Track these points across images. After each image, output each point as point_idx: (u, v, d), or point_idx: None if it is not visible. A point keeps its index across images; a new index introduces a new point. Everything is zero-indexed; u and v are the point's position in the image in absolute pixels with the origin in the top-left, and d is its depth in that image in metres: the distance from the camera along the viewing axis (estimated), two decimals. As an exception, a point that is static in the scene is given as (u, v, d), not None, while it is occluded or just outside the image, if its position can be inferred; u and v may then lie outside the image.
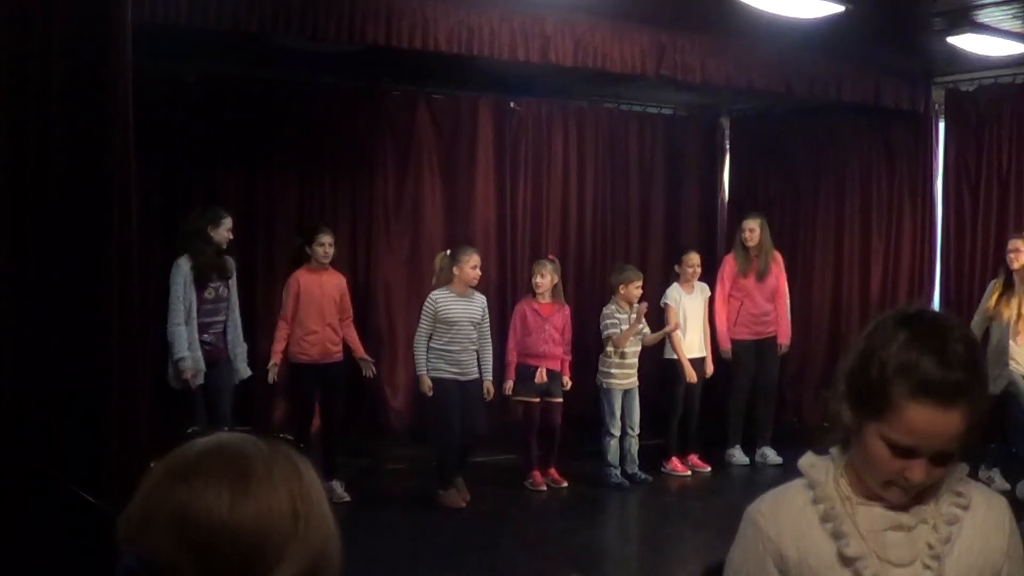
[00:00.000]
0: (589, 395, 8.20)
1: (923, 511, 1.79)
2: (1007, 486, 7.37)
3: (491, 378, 7.42)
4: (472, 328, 7.20)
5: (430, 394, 7.12)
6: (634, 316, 7.74)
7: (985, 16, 7.09)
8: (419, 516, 7.15)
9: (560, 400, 7.65)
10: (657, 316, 8.25)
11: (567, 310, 7.74)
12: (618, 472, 7.73)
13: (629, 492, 7.68)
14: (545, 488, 7.53)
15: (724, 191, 10.96)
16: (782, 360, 8.90)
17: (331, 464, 7.10)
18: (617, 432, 7.72)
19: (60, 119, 4.27)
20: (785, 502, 1.88)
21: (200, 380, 6.66)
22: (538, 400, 7.49)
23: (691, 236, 10.20)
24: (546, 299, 7.58)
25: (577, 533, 6.74)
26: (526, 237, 10.00)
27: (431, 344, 7.13)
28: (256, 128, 8.76)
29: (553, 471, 7.68)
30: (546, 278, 7.57)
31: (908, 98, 9.03)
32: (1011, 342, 7.40)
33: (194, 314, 6.69)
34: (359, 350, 7.45)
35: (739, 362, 8.43)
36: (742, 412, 8.50)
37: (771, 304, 8.56)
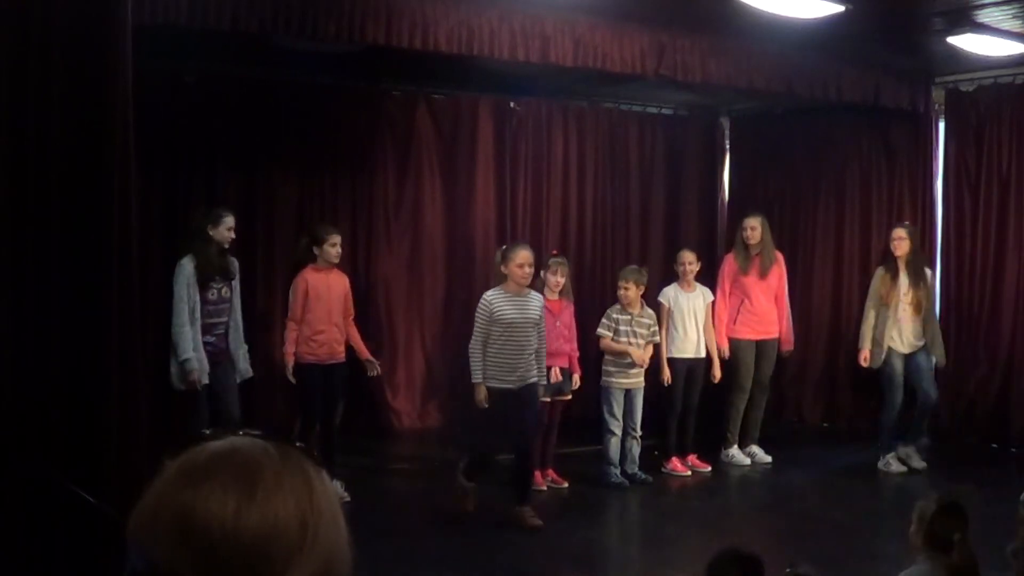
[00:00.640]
0: (590, 395, 8.20)
1: None
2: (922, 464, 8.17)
3: (546, 381, 7.05)
4: (530, 329, 6.68)
5: (486, 405, 6.61)
6: (635, 318, 7.69)
7: (985, 16, 7.09)
8: (419, 516, 7.15)
9: (568, 397, 7.65)
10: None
11: (572, 306, 7.73)
12: (618, 472, 7.72)
13: (629, 492, 7.67)
14: (545, 488, 7.52)
15: (724, 191, 10.96)
16: (782, 360, 8.90)
17: (331, 464, 7.09)
18: (617, 431, 7.70)
19: (60, 119, 4.28)
20: None
21: (205, 381, 6.66)
22: (549, 400, 7.47)
23: (691, 236, 10.20)
24: (553, 296, 7.55)
25: (577, 533, 6.74)
26: (526, 237, 9.96)
27: (486, 349, 6.62)
28: (256, 128, 8.77)
29: (552, 471, 7.67)
30: (558, 275, 7.54)
31: (908, 98, 9.03)
32: (894, 323, 8.12)
33: (198, 314, 6.68)
34: (363, 352, 7.43)
35: (740, 361, 8.42)
36: (742, 412, 8.49)
37: (773, 304, 8.55)
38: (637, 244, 10.40)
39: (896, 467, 8.15)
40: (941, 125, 9.35)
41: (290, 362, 7.08)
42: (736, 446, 8.51)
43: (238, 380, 7.01)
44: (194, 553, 1.01)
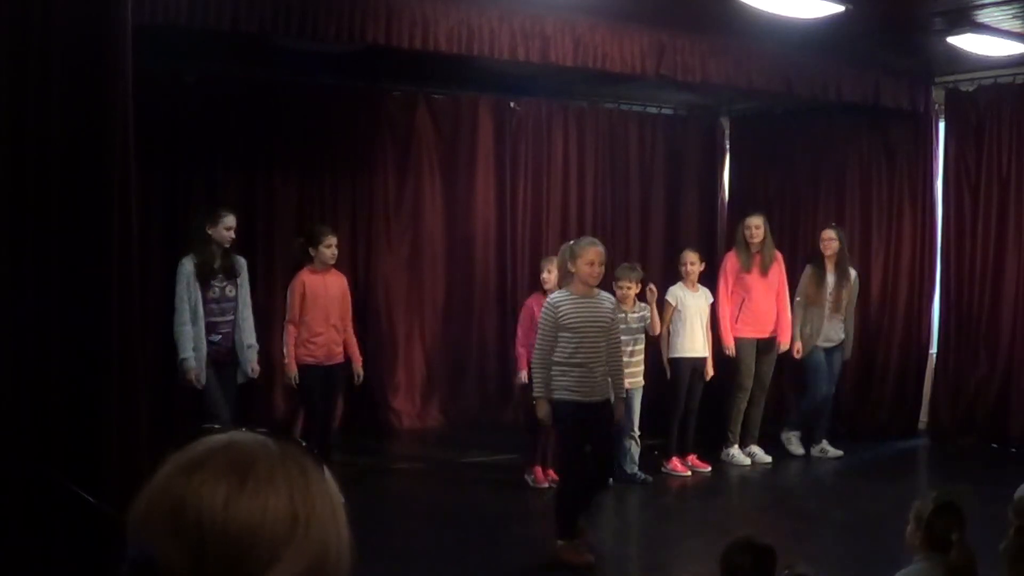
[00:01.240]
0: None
1: None
2: (839, 452, 8.67)
3: (624, 395, 6.26)
4: (600, 335, 5.90)
5: (548, 422, 5.98)
6: (628, 315, 7.68)
7: (985, 16, 7.09)
8: (419, 516, 7.15)
9: None
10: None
11: None
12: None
13: (629, 492, 7.66)
14: (547, 486, 7.50)
15: (724, 191, 10.96)
16: (783, 360, 8.89)
17: (328, 463, 7.06)
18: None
19: (60, 119, 4.28)
20: None
21: (203, 380, 6.64)
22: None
23: (691, 236, 10.19)
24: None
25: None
26: (526, 237, 10.00)
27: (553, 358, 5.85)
28: (256, 128, 8.77)
29: (551, 471, 7.66)
30: (552, 273, 7.52)
31: (908, 98, 9.03)
32: (819, 319, 8.58)
33: (200, 313, 6.67)
34: (357, 360, 7.40)
35: (741, 361, 8.42)
36: (743, 412, 8.49)
37: (773, 303, 8.55)
38: (637, 244, 10.40)
39: (796, 447, 8.73)
40: (941, 125, 9.35)
41: (292, 367, 7.06)
42: (736, 446, 8.51)
43: (241, 379, 6.97)
44: (185, 542, 1.02)
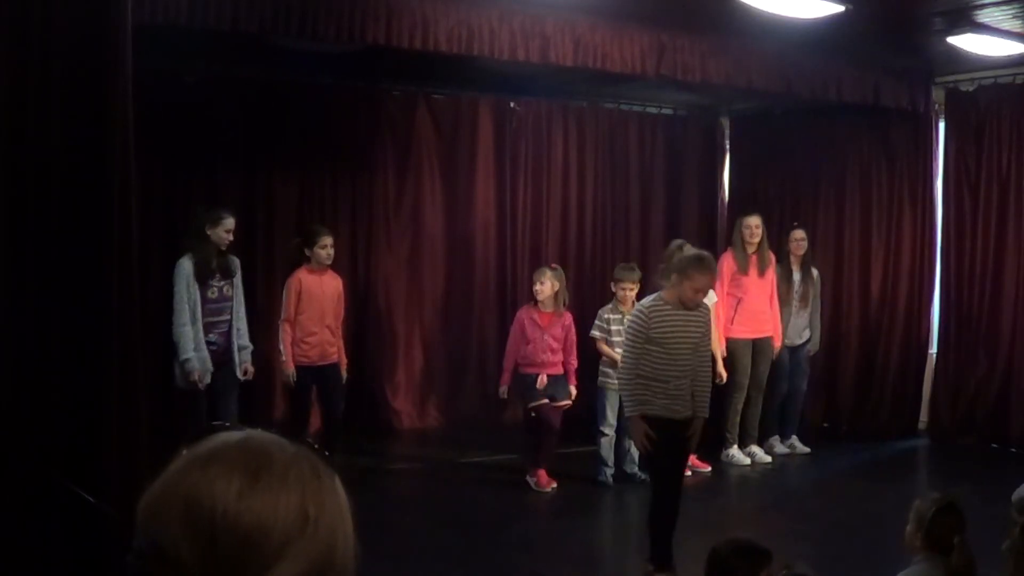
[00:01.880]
0: (590, 396, 8.18)
1: None
2: (807, 449, 8.77)
3: (705, 414, 5.68)
4: (690, 351, 5.49)
5: (648, 447, 5.55)
6: (627, 316, 7.67)
7: (985, 16, 7.09)
8: (419, 516, 7.14)
9: (565, 403, 7.58)
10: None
11: (568, 318, 7.67)
12: (610, 472, 7.72)
13: (629, 492, 7.66)
14: (550, 490, 7.48)
15: (724, 191, 10.96)
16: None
17: (330, 464, 7.06)
18: (609, 431, 7.69)
19: (60, 119, 4.27)
20: None
21: (207, 380, 6.64)
22: (547, 401, 7.46)
23: (691, 236, 10.16)
24: (547, 308, 7.52)
25: (577, 533, 6.74)
26: (526, 237, 10.01)
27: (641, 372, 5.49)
28: (256, 128, 8.77)
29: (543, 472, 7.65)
30: (545, 285, 7.50)
31: (908, 98, 9.03)
32: (792, 318, 8.73)
33: (199, 313, 6.66)
34: (343, 362, 7.41)
35: (737, 361, 8.42)
36: (740, 412, 8.49)
37: (768, 303, 8.56)
38: (637, 244, 10.40)
39: (760, 456, 8.57)
40: (941, 125, 9.36)
41: (290, 364, 7.06)
42: (736, 446, 8.50)
43: (240, 378, 6.97)
44: (197, 533, 1.03)
